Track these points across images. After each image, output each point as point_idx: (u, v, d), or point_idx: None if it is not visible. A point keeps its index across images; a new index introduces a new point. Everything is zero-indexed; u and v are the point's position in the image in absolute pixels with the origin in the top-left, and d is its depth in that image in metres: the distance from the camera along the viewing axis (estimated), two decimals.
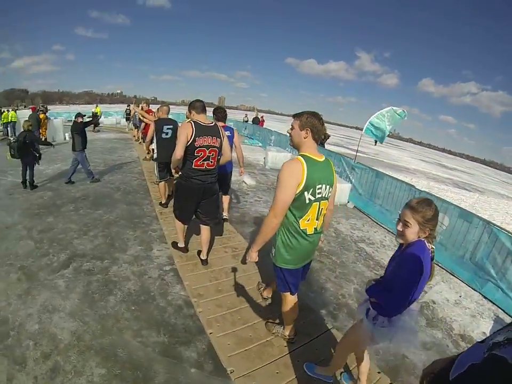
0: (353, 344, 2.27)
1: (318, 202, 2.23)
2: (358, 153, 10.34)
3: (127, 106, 19.61)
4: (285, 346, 2.95)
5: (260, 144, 17.73)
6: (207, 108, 3.70)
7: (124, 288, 3.93)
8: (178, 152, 3.36)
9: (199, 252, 4.37)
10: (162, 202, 6.34)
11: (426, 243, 1.82)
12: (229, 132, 4.76)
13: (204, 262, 4.24)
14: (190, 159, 3.44)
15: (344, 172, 9.06)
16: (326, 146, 12.30)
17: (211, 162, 3.54)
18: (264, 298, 3.57)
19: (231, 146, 4.43)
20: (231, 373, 2.65)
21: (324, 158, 2.27)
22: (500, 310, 4.71)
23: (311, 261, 2.66)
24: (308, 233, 2.29)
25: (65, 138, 16.06)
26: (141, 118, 9.68)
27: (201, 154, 3.42)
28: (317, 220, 2.30)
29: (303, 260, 2.46)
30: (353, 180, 8.62)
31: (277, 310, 3.23)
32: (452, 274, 5.49)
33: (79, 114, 8.09)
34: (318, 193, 2.20)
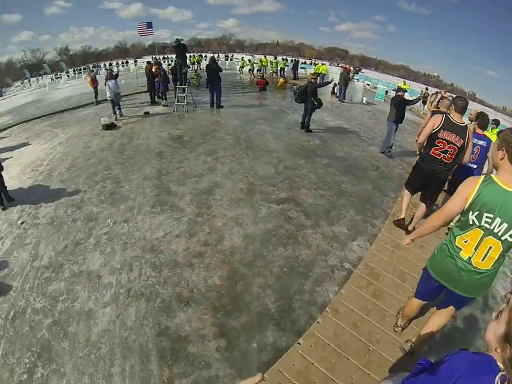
0: None
1: (482, 232, 1.91)
2: None
3: (426, 89, 18.16)
4: None
5: None
6: None
7: (298, 250, 3.95)
8: (421, 137, 3.83)
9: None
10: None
11: (500, 374, 0.97)
12: (485, 142, 4.38)
13: (407, 233, 4.21)
14: (430, 145, 3.74)
15: None
16: None
17: (448, 156, 3.66)
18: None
19: (484, 159, 4.35)
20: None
21: None
22: None
23: (460, 299, 2.25)
24: (459, 254, 2.08)
25: (362, 101, 16.40)
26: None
27: (440, 145, 3.64)
28: (475, 249, 1.99)
29: (441, 275, 2.24)
30: None
31: None
32: None
33: (399, 89, 8.23)
34: (485, 222, 1.86)
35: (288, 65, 25.08)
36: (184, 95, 10.56)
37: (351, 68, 27.87)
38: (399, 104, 7.32)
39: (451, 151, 3.62)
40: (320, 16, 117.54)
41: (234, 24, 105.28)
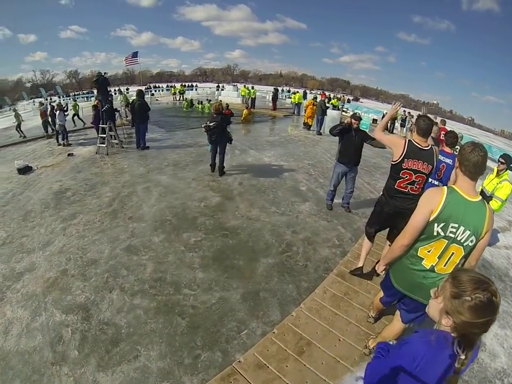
0: None
1: (447, 241, 1.95)
2: None
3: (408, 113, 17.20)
4: None
5: None
6: None
7: None
8: (380, 136, 3.32)
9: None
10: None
11: (452, 345, 1.18)
12: (451, 160, 4.02)
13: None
14: (394, 178, 3.14)
15: None
16: None
17: (416, 187, 3.13)
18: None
19: (449, 177, 3.97)
20: None
21: (478, 199, 1.89)
22: None
23: (422, 306, 2.06)
24: (421, 263, 2.07)
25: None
26: None
27: (406, 177, 3.08)
28: (438, 258, 2.01)
29: (403, 285, 2.23)
30: None
31: None
32: None
33: (353, 116, 5.19)
34: (451, 232, 1.91)
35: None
36: (104, 135, 9.15)
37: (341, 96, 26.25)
38: (344, 135, 5.00)
39: (419, 180, 3.09)
40: (324, 48, 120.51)
41: (240, 55, 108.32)
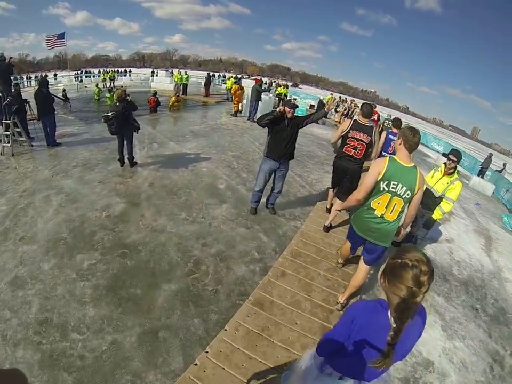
0: None
1: (390, 195, 2.59)
2: None
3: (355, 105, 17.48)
4: None
5: None
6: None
7: None
8: (333, 139, 4.29)
9: None
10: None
11: (386, 311, 1.35)
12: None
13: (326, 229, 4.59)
14: (343, 144, 4.12)
15: None
16: None
17: (358, 152, 4.05)
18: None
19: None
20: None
21: (411, 165, 2.57)
22: None
23: (377, 248, 2.83)
24: (374, 213, 2.69)
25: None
26: None
27: (351, 143, 4.03)
28: (386, 208, 2.64)
29: (362, 230, 2.83)
30: None
31: None
32: None
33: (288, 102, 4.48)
34: (392, 188, 2.56)
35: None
36: (8, 133, 7.33)
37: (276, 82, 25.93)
38: (275, 125, 4.29)
39: (360, 147, 4.01)
40: (267, 35, 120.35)
41: (181, 39, 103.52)
